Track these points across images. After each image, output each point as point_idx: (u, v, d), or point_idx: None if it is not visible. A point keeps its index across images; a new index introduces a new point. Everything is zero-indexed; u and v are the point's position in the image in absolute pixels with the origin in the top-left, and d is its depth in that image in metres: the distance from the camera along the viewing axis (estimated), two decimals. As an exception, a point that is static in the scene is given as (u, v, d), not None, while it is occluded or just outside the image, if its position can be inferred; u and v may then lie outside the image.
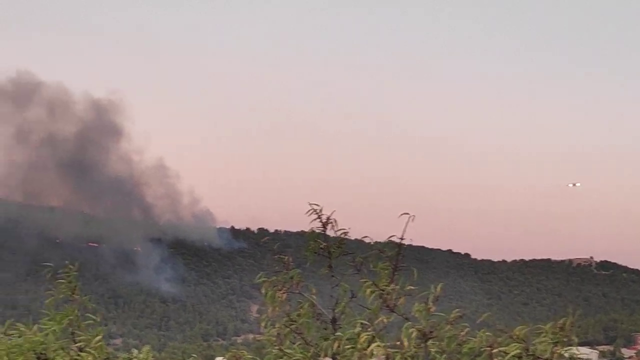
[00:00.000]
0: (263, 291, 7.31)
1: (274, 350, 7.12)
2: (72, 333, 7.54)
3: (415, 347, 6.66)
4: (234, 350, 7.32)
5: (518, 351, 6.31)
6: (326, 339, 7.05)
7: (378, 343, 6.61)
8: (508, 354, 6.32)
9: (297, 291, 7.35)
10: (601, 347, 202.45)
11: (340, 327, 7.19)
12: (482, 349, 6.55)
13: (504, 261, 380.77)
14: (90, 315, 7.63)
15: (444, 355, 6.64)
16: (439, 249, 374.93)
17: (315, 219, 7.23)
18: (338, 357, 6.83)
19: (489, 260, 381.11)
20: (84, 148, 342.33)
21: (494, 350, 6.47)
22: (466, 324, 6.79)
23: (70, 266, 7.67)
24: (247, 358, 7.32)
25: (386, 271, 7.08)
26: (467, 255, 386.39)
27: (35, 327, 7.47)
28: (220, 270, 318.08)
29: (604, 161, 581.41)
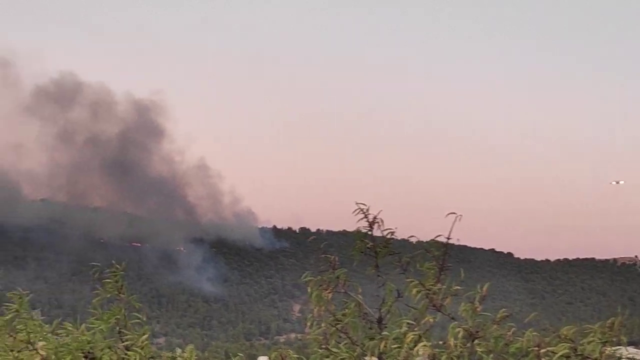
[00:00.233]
0: (309, 290, 7.30)
1: (319, 350, 7.11)
2: (119, 332, 7.60)
3: (461, 347, 6.61)
4: (280, 350, 7.32)
5: (566, 351, 6.22)
6: (372, 339, 7.02)
7: (424, 343, 6.57)
8: (556, 354, 6.23)
9: (342, 290, 7.34)
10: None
11: (386, 327, 7.16)
12: (530, 349, 6.48)
13: (547, 260, 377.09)
14: (137, 315, 7.69)
15: (491, 355, 6.57)
16: (482, 249, 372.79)
17: (362, 219, 7.21)
18: (384, 357, 6.80)
19: (532, 260, 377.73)
20: (127, 149, 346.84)
21: (542, 351, 6.39)
22: (512, 324, 6.72)
23: (117, 266, 7.74)
24: (293, 357, 7.32)
25: (432, 271, 7.04)
26: (509, 254, 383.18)
27: (82, 327, 7.54)
28: (262, 269, 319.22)
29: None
